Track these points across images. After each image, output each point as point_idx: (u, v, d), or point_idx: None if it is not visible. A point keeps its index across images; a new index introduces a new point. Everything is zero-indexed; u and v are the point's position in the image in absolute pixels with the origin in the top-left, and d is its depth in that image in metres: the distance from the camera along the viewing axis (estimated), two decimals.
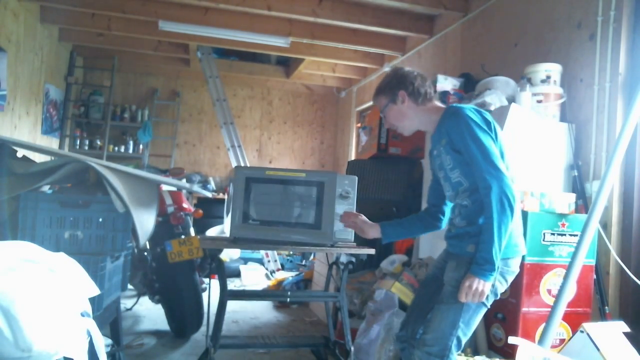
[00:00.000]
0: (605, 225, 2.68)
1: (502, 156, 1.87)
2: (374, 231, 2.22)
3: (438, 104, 2.09)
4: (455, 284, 1.87)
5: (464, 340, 1.88)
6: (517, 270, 1.93)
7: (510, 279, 1.92)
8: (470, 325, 1.88)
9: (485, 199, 1.79)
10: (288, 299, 4.35)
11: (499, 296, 1.91)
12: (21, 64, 4.93)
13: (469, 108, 1.92)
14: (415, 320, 2.09)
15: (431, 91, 2.06)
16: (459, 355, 2.44)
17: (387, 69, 5.63)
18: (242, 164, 6.24)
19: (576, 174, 2.80)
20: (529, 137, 2.73)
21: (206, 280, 4.24)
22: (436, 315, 1.91)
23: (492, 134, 1.87)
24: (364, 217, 2.27)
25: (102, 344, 1.74)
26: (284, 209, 2.45)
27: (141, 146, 7.07)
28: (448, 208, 2.16)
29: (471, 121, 1.85)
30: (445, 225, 2.18)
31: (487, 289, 1.79)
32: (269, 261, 6.13)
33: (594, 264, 2.54)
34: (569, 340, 2.28)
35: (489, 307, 1.89)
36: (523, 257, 2.44)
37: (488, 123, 1.89)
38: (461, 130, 1.86)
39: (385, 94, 2.08)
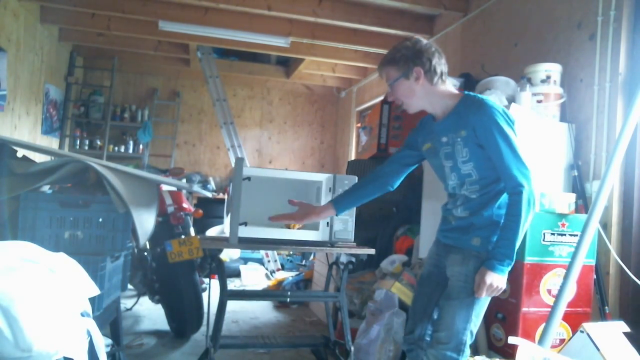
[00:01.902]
0: (605, 225, 2.68)
1: None
2: (323, 209, 2.16)
3: (451, 87, 1.96)
4: (464, 279, 1.85)
5: (475, 331, 1.88)
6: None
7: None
8: (479, 316, 1.88)
9: (514, 196, 1.77)
10: (288, 299, 4.35)
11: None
12: (21, 64, 4.93)
13: (491, 102, 1.85)
14: (420, 321, 2.06)
15: (446, 70, 1.93)
16: None
17: None
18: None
19: (576, 174, 2.80)
20: (529, 137, 2.72)
21: (206, 280, 4.24)
22: (447, 312, 1.88)
23: (515, 130, 1.83)
24: (307, 204, 2.20)
25: (102, 344, 1.74)
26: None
27: (141, 146, 7.07)
28: (403, 175, 2.14)
29: (499, 116, 1.79)
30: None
31: (503, 284, 1.80)
32: (269, 261, 6.13)
33: (594, 264, 2.54)
34: (569, 340, 2.28)
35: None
36: (523, 257, 2.46)
37: (513, 120, 1.84)
38: (489, 126, 1.79)
39: (399, 67, 1.89)
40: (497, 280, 1.77)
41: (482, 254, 1.83)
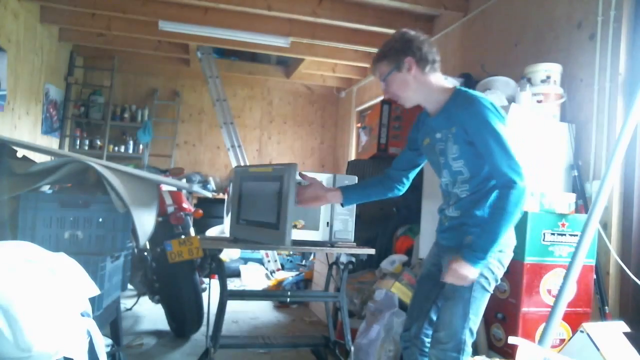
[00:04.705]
0: (605, 225, 2.68)
1: None
2: (333, 196, 2.14)
3: (443, 80, 1.94)
4: None
5: (475, 329, 1.88)
6: (511, 255, 1.92)
7: (507, 264, 1.91)
8: (478, 314, 1.87)
9: (504, 190, 1.75)
10: (288, 299, 4.36)
11: (499, 281, 1.90)
12: (21, 64, 4.93)
13: (482, 98, 1.83)
14: (417, 319, 2.07)
15: (438, 59, 1.90)
16: None
17: None
18: (242, 164, 6.24)
19: (576, 174, 2.80)
20: (529, 137, 2.73)
21: (206, 280, 4.24)
22: (445, 312, 1.89)
23: (506, 126, 1.81)
24: (318, 182, 2.18)
25: (102, 344, 1.74)
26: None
27: (141, 146, 7.07)
28: (411, 177, 2.14)
29: (489, 112, 1.77)
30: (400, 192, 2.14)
31: (472, 276, 1.77)
32: (269, 261, 6.12)
33: (594, 264, 2.54)
34: (569, 340, 2.28)
35: (491, 292, 1.89)
36: (523, 257, 2.45)
37: (503, 116, 1.81)
38: (479, 123, 1.77)
39: (389, 60, 1.89)
40: (466, 270, 1.76)
41: None
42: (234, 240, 2.49)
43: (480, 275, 1.82)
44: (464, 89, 1.89)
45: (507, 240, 1.88)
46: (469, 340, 1.85)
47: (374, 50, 5.53)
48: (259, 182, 2.43)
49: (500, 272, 1.89)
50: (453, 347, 1.84)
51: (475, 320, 1.86)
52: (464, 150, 1.83)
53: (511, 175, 1.74)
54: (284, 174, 2.18)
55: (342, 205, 2.18)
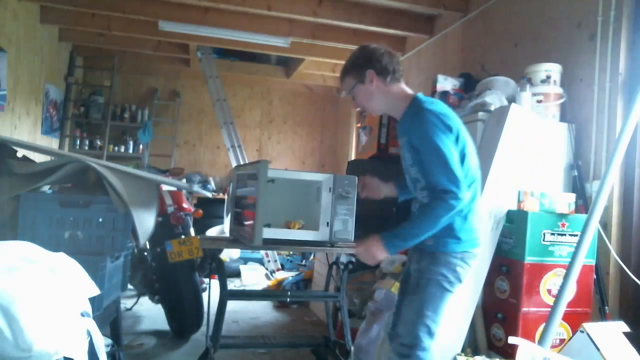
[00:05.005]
0: (605, 225, 2.68)
1: (464, 157, 1.85)
2: (387, 189, 2.24)
3: (405, 88, 2.00)
4: (418, 275, 1.92)
5: (435, 328, 1.89)
6: (477, 255, 1.94)
7: (473, 263, 1.92)
8: (438, 313, 1.89)
9: (435, 201, 1.79)
10: (288, 299, 4.36)
11: (462, 281, 1.91)
12: (21, 64, 4.93)
13: (429, 107, 1.85)
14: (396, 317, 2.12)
15: (400, 68, 1.98)
16: (459, 355, 2.46)
17: None
18: (242, 164, 6.24)
19: (576, 174, 2.80)
20: (529, 137, 2.73)
21: (206, 280, 4.24)
22: (404, 307, 1.96)
23: (454, 135, 1.83)
24: (377, 180, 2.28)
25: (102, 344, 1.74)
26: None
27: (141, 146, 7.07)
28: None
29: (431, 125, 1.80)
30: None
31: (380, 257, 1.85)
32: (269, 261, 6.13)
33: (594, 264, 2.54)
34: (569, 340, 2.28)
35: (453, 292, 1.90)
36: (523, 257, 2.46)
37: (449, 125, 1.83)
38: (421, 134, 1.82)
39: (353, 74, 1.99)
40: (378, 250, 1.83)
41: (436, 253, 1.88)
42: (234, 240, 2.50)
43: (440, 273, 1.86)
44: (420, 97, 1.93)
45: (471, 241, 1.90)
46: (425, 338, 1.87)
47: None
48: (243, 181, 2.49)
49: (464, 272, 1.90)
50: (408, 342, 1.88)
51: (433, 317, 1.87)
52: (414, 158, 1.89)
53: (445, 187, 1.77)
54: (257, 172, 2.24)
55: (398, 200, 2.27)
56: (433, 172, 1.80)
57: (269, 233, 2.31)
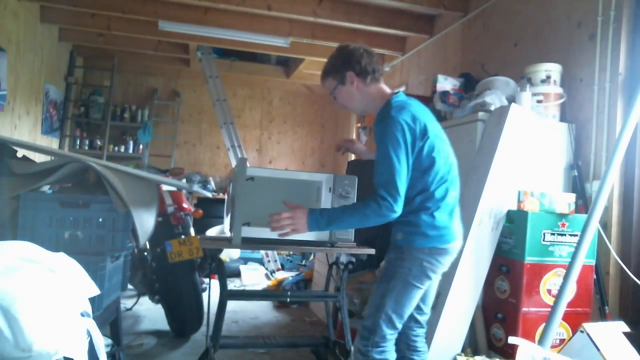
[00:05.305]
0: (605, 225, 2.68)
1: (431, 154, 1.85)
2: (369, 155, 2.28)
3: (384, 87, 2.03)
4: (386, 266, 1.97)
5: (396, 319, 1.89)
6: (453, 254, 1.94)
7: (445, 260, 1.92)
8: (400, 303, 1.89)
9: (369, 201, 1.82)
10: (288, 299, 4.36)
11: (432, 278, 1.92)
12: (21, 64, 4.93)
13: (395, 115, 1.84)
14: None
15: (379, 68, 2.01)
16: (459, 355, 2.46)
17: (387, 69, 5.63)
18: None
19: (576, 174, 2.80)
20: (529, 137, 2.73)
21: (206, 280, 4.24)
22: (372, 294, 1.99)
23: (409, 146, 1.82)
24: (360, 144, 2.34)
25: (102, 344, 1.74)
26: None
27: (141, 146, 7.07)
28: None
29: (390, 132, 1.82)
30: None
31: (300, 230, 1.89)
32: (269, 261, 6.13)
33: (594, 264, 2.54)
34: (569, 340, 2.28)
35: (421, 287, 1.90)
36: (523, 257, 2.46)
37: (411, 133, 1.82)
38: (380, 136, 1.84)
39: (333, 76, 2.03)
40: (301, 223, 1.88)
41: (404, 247, 1.90)
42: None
43: (406, 267, 1.88)
44: (392, 102, 1.93)
45: (441, 237, 1.90)
46: (385, 326, 1.88)
47: (374, 50, 5.57)
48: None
49: (433, 268, 1.90)
50: (369, 325, 1.91)
51: (394, 307, 1.88)
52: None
53: (383, 195, 1.79)
54: (236, 170, 2.28)
55: None
56: (378, 174, 1.84)
57: (249, 232, 2.31)
